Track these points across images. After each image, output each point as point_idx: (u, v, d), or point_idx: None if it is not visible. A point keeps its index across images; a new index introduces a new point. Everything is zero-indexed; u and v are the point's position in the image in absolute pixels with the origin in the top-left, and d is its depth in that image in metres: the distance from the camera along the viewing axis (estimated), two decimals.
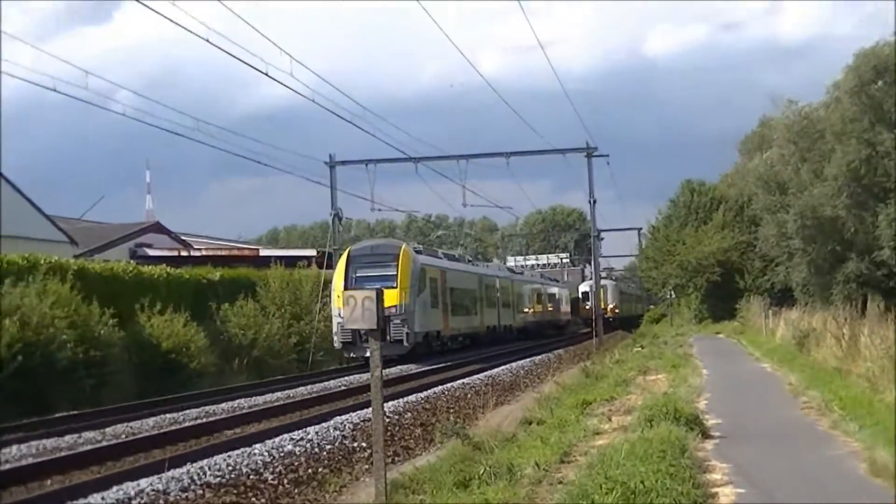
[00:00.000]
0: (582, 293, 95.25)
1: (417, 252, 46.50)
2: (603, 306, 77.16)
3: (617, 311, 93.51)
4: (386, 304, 29.86)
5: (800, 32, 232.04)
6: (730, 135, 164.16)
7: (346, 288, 39.80)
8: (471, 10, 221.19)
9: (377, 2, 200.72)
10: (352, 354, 42.26)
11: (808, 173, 53.23)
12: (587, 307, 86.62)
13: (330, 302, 43.52)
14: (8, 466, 16.92)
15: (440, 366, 39.96)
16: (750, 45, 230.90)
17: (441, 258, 52.19)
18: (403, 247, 44.92)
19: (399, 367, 39.39)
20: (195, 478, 14.91)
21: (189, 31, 26.30)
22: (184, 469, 15.29)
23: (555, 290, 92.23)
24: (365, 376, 33.20)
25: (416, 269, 43.54)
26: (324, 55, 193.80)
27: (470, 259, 66.46)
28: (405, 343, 41.75)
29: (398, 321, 41.42)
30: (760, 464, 14.78)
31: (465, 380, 33.03)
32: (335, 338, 42.14)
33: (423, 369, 38.43)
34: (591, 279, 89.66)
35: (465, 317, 52.58)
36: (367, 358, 45.77)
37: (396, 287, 41.61)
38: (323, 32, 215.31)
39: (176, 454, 17.14)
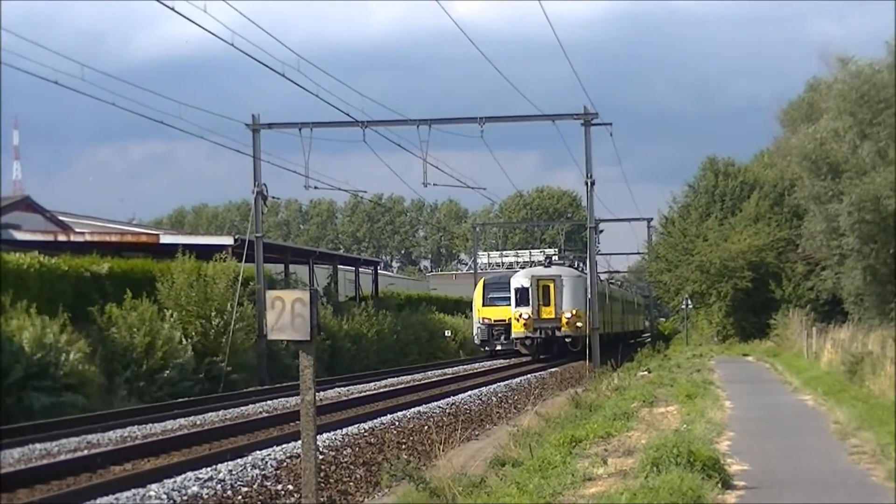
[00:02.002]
0: (516, 291, 70.06)
1: None
2: (548, 314, 68.19)
3: (579, 324, 66.97)
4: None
5: None
6: (769, 102, 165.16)
7: (483, 305, 73.88)
8: None
9: None
10: (485, 348, 74.47)
11: (868, 153, 53.40)
12: (523, 317, 68.21)
13: (471, 312, 79.18)
14: None
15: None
16: None
17: None
18: None
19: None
20: None
21: None
22: None
23: None
24: (293, 400, 33.28)
25: None
26: None
27: None
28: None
29: None
30: None
31: (421, 408, 33.11)
32: (475, 337, 75.99)
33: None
34: (540, 267, 76.64)
35: None
36: (498, 351, 67.15)
37: None
38: None
39: (48, 495, 17.12)
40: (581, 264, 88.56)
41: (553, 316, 66.58)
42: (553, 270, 70.09)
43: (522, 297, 67.81)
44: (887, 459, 20.14)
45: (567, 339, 65.78)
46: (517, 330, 67.63)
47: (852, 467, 20.08)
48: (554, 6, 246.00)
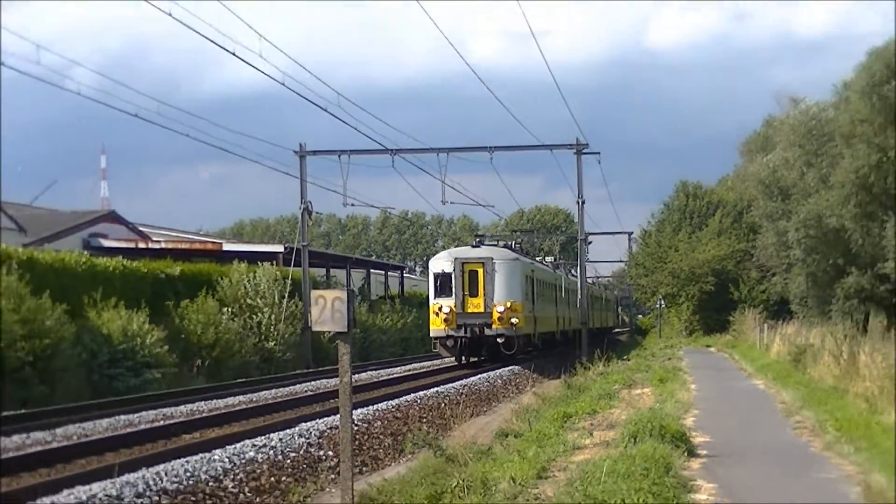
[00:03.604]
0: (435, 277, 47.44)
1: None
2: (476, 307, 46.11)
3: (515, 320, 46.64)
4: None
5: (818, 27, 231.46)
6: (732, 135, 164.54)
7: None
8: None
9: None
10: None
11: (813, 179, 53.37)
12: (443, 311, 45.86)
13: None
14: None
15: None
16: (762, 39, 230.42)
17: None
18: None
19: None
20: (151, 483, 15.04)
21: (152, 3, 25.87)
22: (139, 474, 15.40)
23: None
24: (333, 381, 33.35)
25: None
26: (298, 37, 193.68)
27: None
28: None
29: None
30: (749, 486, 15.00)
31: (439, 388, 33.11)
32: None
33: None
34: (467, 247, 53.00)
35: None
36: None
37: None
38: (298, 12, 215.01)
39: (131, 458, 17.24)
40: (573, 270, 70.03)
41: (482, 309, 45.70)
42: (483, 252, 47.97)
43: (443, 285, 46.37)
44: (824, 433, 20.22)
45: (499, 339, 45.34)
46: (436, 327, 45.78)
47: (796, 439, 20.16)
48: (553, 54, 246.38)
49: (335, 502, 14.46)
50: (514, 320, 45.01)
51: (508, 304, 45.19)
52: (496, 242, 50.91)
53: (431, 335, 45.93)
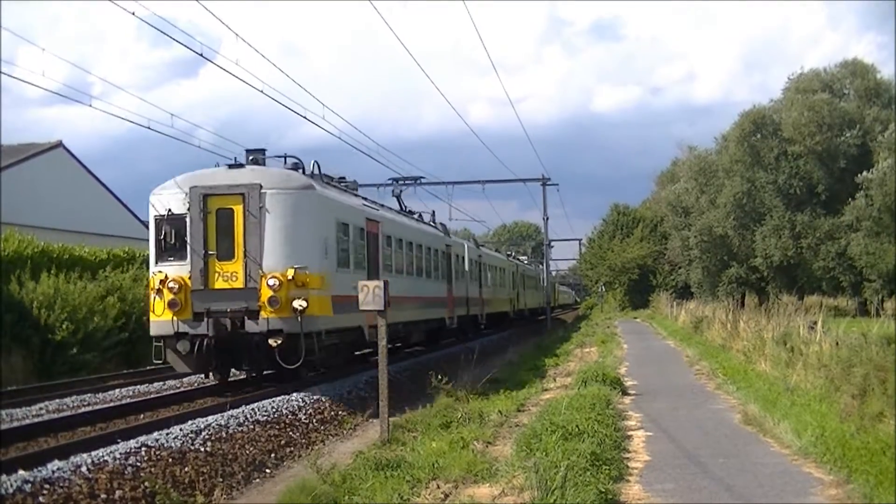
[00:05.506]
0: (156, 222, 16.42)
1: None
2: (231, 277, 16.17)
3: (301, 304, 15.84)
4: None
5: (706, 96, 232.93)
6: (649, 171, 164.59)
7: None
8: (464, 68, 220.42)
9: (390, 63, 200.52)
10: None
11: (705, 201, 53.70)
12: (169, 287, 16.10)
13: None
14: (112, 404, 16.95)
15: None
16: (669, 105, 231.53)
17: None
18: None
19: None
20: (248, 416, 14.96)
21: (251, 85, 25.95)
22: (240, 410, 15.32)
23: None
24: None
25: None
26: (349, 103, 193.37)
27: None
28: None
29: None
30: (664, 414, 14.95)
31: (450, 349, 32.85)
32: None
33: None
34: (222, 168, 17.10)
35: None
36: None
37: None
38: (347, 85, 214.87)
39: (235, 399, 17.17)
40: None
41: (241, 283, 15.92)
42: (244, 176, 16.10)
43: (171, 237, 16.10)
44: (715, 377, 20.15)
45: (271, 341, 15.91)
46: (158, 317, 16.16)
47: (696, 382, 20.10)
48: (525, 114, 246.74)
49: (376, 429, 14.39)
50: (299, 304, 16.35)
51: (290, 274, 16.37)
52: (284, 161, 18.86)
53: (151, 332, 17.17)
